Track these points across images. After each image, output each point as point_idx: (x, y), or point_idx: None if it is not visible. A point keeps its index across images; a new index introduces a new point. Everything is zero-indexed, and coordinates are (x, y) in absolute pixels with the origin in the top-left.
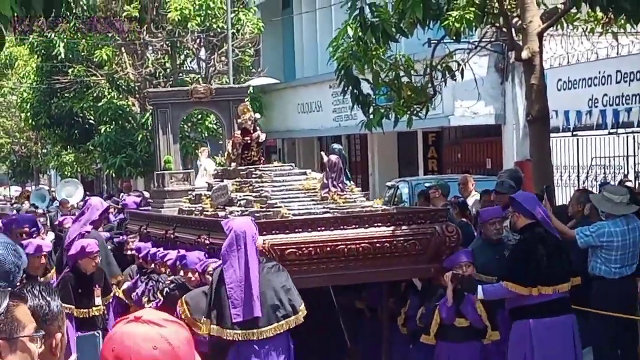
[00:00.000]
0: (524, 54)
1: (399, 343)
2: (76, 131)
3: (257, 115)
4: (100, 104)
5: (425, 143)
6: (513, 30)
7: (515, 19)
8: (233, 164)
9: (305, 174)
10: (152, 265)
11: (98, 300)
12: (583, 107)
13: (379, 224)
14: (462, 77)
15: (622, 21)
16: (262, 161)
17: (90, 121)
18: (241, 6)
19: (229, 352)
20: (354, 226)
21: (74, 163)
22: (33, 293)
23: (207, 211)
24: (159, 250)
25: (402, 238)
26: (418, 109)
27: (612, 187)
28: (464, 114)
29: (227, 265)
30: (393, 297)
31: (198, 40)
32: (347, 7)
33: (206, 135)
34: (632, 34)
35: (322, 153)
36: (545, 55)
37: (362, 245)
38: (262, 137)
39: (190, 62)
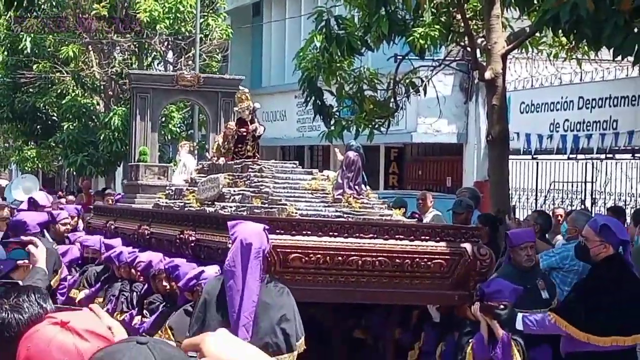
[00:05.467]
0: (487, 75)
1: None
2: (38, 127)
3: (257, 105)
4: (64, 101)
5: (388, 158)
6: (478, 50)
7: (481, 39)
8: (222, 159)
9: (311, 173)
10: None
11: None
12: (544, 131)
13: (401, 237)
14: (425, 93)
15: (585, 47)
16: (257, 158)
17: (53, 117)
18: (211, 11)
19: None
20: (371, 235)
21: (35, 159)
22: (30, 302)
23: (191, 207)
24: (129, 251)
25: (426, 256)
26: (380, 123)
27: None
28: (427, 131)
29: (230, 284)
30: (401, 327)
31: (166, 43)
32: (314, 18)
33: (169, 138)
34: (596, 62)
35: (337, 149)
36: (509, 77)
37: (380, 259)
38: (260, 130)
39: (157, 65)
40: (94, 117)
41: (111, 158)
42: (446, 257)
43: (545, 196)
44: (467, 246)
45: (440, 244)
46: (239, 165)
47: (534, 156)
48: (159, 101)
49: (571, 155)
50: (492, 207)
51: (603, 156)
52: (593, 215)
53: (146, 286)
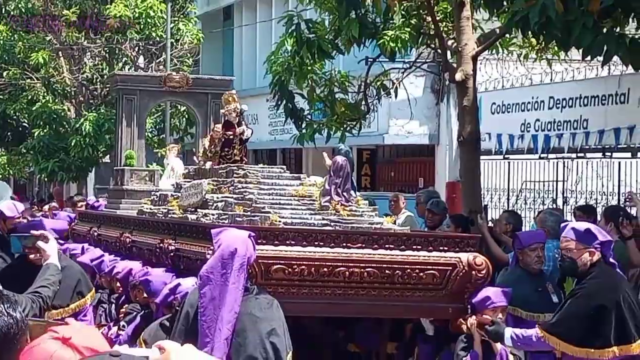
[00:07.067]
0: (458, 76)
1: None
2: (9, 133)
3: (245, 107)
4: (34, 107)
5: (360, 160)
6: (448, 52)
7: (451, 41)
8: (209, 163)
9: (299, 178)
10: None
11: None
12: (515, 131)
13: (391, 246)
14: (396, 95)
15: (555, 48)
16: (244, 162)
17: (24, 124)
18: (182, 16)
19: None
20: (360, 245)
21: (6, 165)
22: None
23: (174, 214)
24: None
25: (417, 266)
26: (351, 126)
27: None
28: (399, 133)
29: (204, 291)
30: (394, 340)
31: (137, 48)
32: (285, 22)
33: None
34: (566, 62)
35: (325, 154)
36: (480, 78)
37: (368, 270)
38: (248, 133)
39: (128, 70)
40: (64, 123)
41: (82, 164)
42: (439, 267)
43: (517, 196)
44: (462, 256)
45: (433, 254)
46: (224, 170)
47: (506, 156)
48: (145, 103)
49: (542, 155)
50: (464, 208)
51: (574, 155)
52: (564, 214)
53: (123, 296)
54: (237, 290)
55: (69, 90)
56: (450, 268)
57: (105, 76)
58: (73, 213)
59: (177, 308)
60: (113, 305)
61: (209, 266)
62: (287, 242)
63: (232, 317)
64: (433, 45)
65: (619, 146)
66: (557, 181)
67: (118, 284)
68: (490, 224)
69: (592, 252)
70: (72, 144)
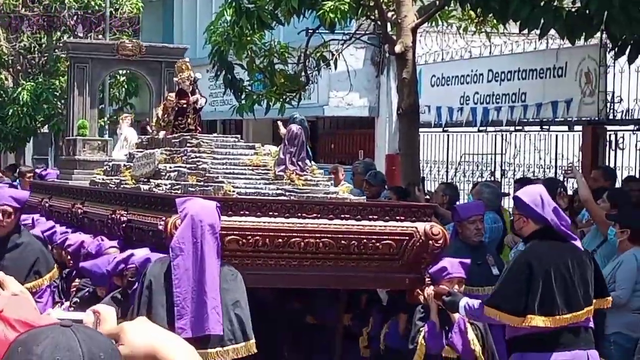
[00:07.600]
0: (397, 48)
1: None
2: None
3: (199, 75)
4: None
5: None
6: (388, 23)
7: (391, 13)
8: (162, 133)
9: (253, 148)
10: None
11: None
12: (455, 103)
13: (347, 216)
14: (336, 67)
15: (494, 21)
16: (198, 131)
17: None
18: None
19: None
20: (315, 215)
21: None
22: None
23: (127, 184)
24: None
25: (373, 236)
26: (291, 97)
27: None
28: (339, 105)
29: (177, 262)
30: (350, 312)
31: (75, 17)
32: None
33: None
34: (505, 35)
35: (280, 123)
36: (420, 51)
37: (324, 240)
38: (202, 102)
39: (67, 39)
40: (2, 92)
41: (20, 133)
42: (395, 237)
43: (456, 168)
44: (418, 225)
45: (389, 224)
46: (177, 140)
47: (445, 129)
48: (98, 72)
49: (481, 128)
50: (403, 180)
51: (512, 128)
52: (502, 186)
53: (74, 271)
54: (214, 260)
55: (7, 59)
56: (407, 238)
57: (44, 45)
58: (14, 181)
59: (130, 279)
60: (63, 281)
61: (179, 237)
62: (241, 212)
63: (217, 286)
64: (373, 17)
65: (556, 119)
66: (495, 154)
67: (69, 257)
68: (427, 196)
69: (525, 220)
70: (10, 113)
